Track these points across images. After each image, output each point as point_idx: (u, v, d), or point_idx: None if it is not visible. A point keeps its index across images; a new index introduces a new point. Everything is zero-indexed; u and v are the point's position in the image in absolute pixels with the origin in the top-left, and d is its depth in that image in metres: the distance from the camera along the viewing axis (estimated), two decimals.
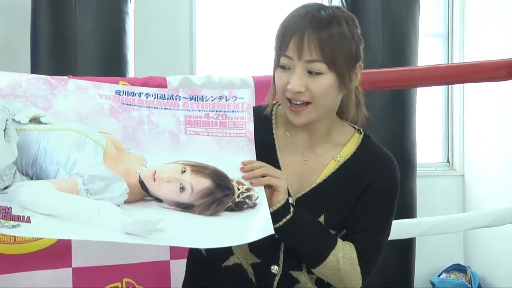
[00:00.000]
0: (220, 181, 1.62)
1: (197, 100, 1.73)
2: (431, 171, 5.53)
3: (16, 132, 1.58)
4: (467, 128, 5.51)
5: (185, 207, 1.60)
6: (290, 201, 1.66)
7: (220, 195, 1.60)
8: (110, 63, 3.64)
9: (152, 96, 1.73)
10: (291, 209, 1.63)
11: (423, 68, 3.38)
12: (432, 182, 5.38)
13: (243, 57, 5.14)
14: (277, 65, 1.65)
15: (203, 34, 5.19)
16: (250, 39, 5.19)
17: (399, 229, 3.05)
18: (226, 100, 1.73)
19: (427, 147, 5.45)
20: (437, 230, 3.21)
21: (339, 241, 1.68)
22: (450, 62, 5.50)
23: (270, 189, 1.63)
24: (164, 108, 1.72)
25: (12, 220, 1.47)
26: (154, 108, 1.72)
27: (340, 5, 4.25)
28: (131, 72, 3.78)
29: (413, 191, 4.39)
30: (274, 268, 1.70)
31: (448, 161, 5.65)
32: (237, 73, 3.19)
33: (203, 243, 1.56)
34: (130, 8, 3.80)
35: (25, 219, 1.47)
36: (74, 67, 3.49)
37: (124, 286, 2.45)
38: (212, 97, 1.74)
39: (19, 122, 1.62)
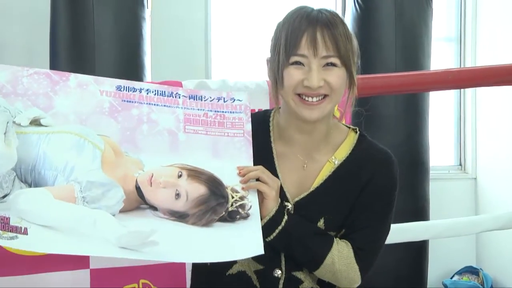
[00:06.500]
0: (215, 189, 1.62)
1: (196, 99, 1.75)
2: (444, 174, 5.52)
3: (16, 136, 1.58)
4: (479, 131, 5.50)
5: (179, 216, 1.60)
6: (288, 207, 1.68)
7: (214, 204, 1.61)
8: (127, 68, 3.68)
9: (153, 92, 1.74)
10: (283, 219, 1.65)
11: (436, 72, 3.39)
12: (444, 185, 5.38)
13: (258, 62, 5.15)
14: (287, 64, 1.65)
15: (219, 39, 5.21)
16: (265, 43, 5.19)
17: (412, 231, 3.08)
18: (224, 101, 1.76)
19: (439, 150, 5.44)
20: (449, 233, 3.23)
21: (335, 241, 1.69)
22: (462, 66, 5.48)
23: (260, 196, 1.64)
24: (164, 105, 1.73)
25: (10, 231, 1.46)
26: (154, 105, 1.72)
27: (354, 9, 4.27)
28: (147, 77, 3.82)
29: (426, 194, 4.40)
30: (277, 272, 1.72)
31: (460, 164, 5.64)
32: (252, 77, 3.21)
33: (194, 257, 1.56)
34: (147, 13, 3.84)
35: (22, 231, 1.47)
36: (92, 71, 3.52)
37: (140, 287, 2.48)
38: (210, 97, 1.76)
39: (19, 125, 1.61)
